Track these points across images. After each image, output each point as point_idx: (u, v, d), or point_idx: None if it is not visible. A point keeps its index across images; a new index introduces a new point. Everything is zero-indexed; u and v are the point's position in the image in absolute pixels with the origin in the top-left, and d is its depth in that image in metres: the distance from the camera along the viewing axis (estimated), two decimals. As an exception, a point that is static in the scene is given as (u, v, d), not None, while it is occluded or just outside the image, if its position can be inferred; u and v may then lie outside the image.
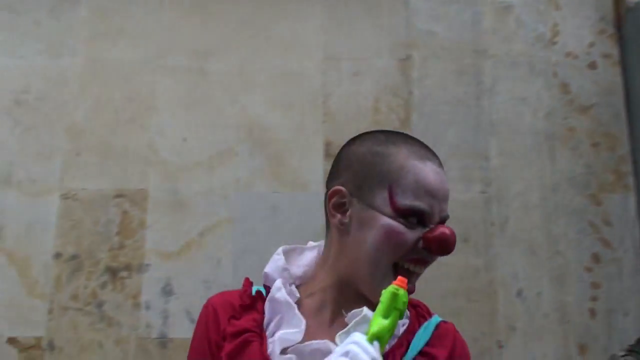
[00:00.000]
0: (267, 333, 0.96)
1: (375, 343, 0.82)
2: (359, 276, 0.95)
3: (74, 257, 2.36)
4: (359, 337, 0.82)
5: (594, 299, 2.27)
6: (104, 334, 2.28)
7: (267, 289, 1.02)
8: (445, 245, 0.92)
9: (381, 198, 0.93)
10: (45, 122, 2.54)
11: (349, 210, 0.96)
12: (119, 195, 2.43)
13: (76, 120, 2.55)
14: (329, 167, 2.38)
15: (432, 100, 2.51)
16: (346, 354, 0.80)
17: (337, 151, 2.42)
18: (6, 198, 2.42)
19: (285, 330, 0.94)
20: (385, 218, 0.92)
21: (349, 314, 0.94)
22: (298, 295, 1.00)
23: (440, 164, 1.00)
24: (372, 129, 2.42)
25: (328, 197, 1.00)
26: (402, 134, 1.05)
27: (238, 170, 2.47)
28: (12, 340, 2.28)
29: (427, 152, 1.00)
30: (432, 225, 0.94)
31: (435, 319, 1.03)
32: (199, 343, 1.00)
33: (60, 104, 2.57)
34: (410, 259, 0.94)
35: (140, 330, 2.29)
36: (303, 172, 2.46)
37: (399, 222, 0.92)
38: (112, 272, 2.34)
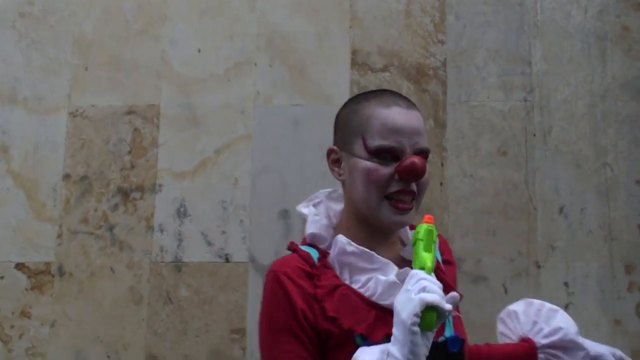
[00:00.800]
0: (347, 282, 1.08)
1: (432, 274, 0.98)
2: (363, 213, 1.11)
3: (83, 178, 2.27)
4: (422, 274, 0.96)
5: (645, 214, 2.13)
6: (115, 258, 2.23)
7: (316, 247, 1.13)
8: (411, 171, 1.06)
9: (358, 146, 1.10)
10: (51, 35, 2.41)
11: (342, 163, 1.14)
12: (130, 112, 2.32)
13: (84, 32, 2.41)
14: (356, 78, 2.32)
15: (470, 0, 2.30)
16: (424, 289, 0.93)
17: (364, 60, 2.28)
18: (11, 116, 2.33)
19: (381, 276, 1.06)
20: (362, 161, 1.08)
21: (402, 251, 1.16)
22: (356, 245, 1.10)
23: (409, 106, 1.12)
24: (403, 34, 2.28)
25: (327, 157, 1.19)
26: (380, 90, 1.22)
27: (257, 82, 2.33)
28: (20, 266, 2.24)
29: (395, 98, 1.13)
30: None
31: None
32: (284, 315, 1.05)
33: (67, 15, 2.42)
34: (395, 191, 1.08)
35: (153, 255, 2.23)
36: (327, 84, 2.31)
37: (373, 162, 1.07)
38: (124, 193, 2.26)
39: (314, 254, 1.11)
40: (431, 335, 0.94)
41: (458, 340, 1.08)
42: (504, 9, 2.27)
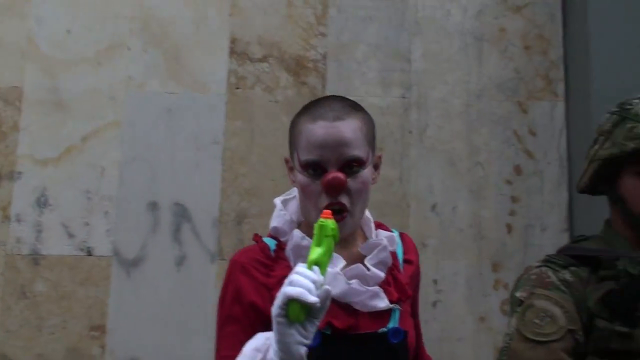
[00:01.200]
0: None
1: (315, 268, 0.99)
2: (308, 220, 1.17)
3: None
4: (299, 268, 1.00)
5: (512, 213, 2.17)
6: (-42, 248, 2.09)
7: (277, 239, 1.19)
8: (330, 185, 1.10)
9: (295, 160, 1.15)
10: None
11: (293, 171, 1.18)
12: (-13, 93, 2.18)
13: (-57, 6, 2.24)
14: (233, 67, 2.27)
15: (352, -7, 2.29)
16: (290, 282, 0.97)
17: (243, 49, 2.23)
18: None
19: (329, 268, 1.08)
20: (299, 174, 1.15)
21: (360, 247, 1.20)
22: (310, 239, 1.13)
23: (336, 118, 1.13)
24: (284, 24, 2.25)
25: (285, 164, 1.22)
26: (321, 100, 1.21)
27: (129, 67, 2.23)
28: None
29: (324, 111, 1.15)
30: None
31: (396, 232, 1.29)
32: (231, 302, 1.14)
33: None
34: (327, 204, 1.12)
35: (9, 246, 2.10)
36: (204, 72, 2.24)
37: (305, 175, 1.13)
38: (-25, 178, 2.12)
39: (273, 245, 1.18)
40: (310, 325, 0.98)
41: (400, 332, 1.14)
42: (385, 4, 2.27)
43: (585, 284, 1.32)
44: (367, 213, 1.24)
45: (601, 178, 1.42)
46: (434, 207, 2.17)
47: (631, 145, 1.33)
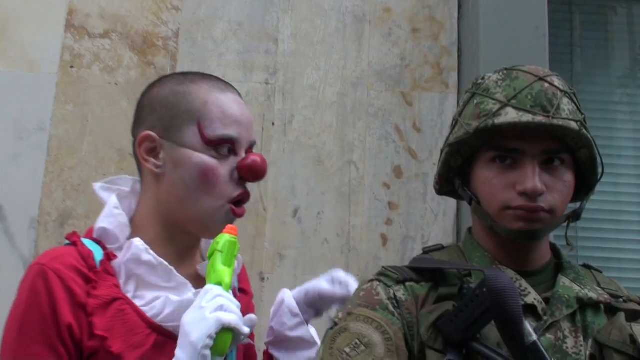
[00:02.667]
0: (130, 296, 0.94)
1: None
2: (180, 217, 0.97)
3: None
4: (220, 290, 0.87)
5: (389, 222, 1.87)
6: None
7: (102, 245, 0.96)
8: (254, 170, 0.97)
9: (191, 135, 0.96)
10: None
11: (161, 153, 0.97)
12: None
13: None
14: (69, 43, 1.99)
15: (215, -36, 2.02)
16: (221, 307, 0.84)
17: (82, 23, 1.96)
18: None
19: (173, 296, 0.94)
20: (197, 154, 0.95)
21: (200, 266, 1.02)
22: (155, 254, 0.95)
23: (240, 95, 1.04)
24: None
25: (137, 144, 1.00)
26: (200, 73, 1.07)
27: (-54, 40, 1.95)
28: None
29: (225, 85, 1.04)
30: (242, 154, 0.99)
31: None
32: (41, 321, 0.88)
33: None
34: (238, 194, 0.97)
35: None
36: (33, 48, 1.95)
37: (211, 155, 0.95)
38: None
39: (98, 253, 0.95)
40: None
41: None
42: (253, -24, 2.01)
43: (422, 305, 1.05)
44: None
45: (455, 173, 1.16)
46: (295, 212, 1.87)
47: (475, 124, 1.07)
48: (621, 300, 1.10)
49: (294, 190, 1.88)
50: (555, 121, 1.01)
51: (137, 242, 0.94)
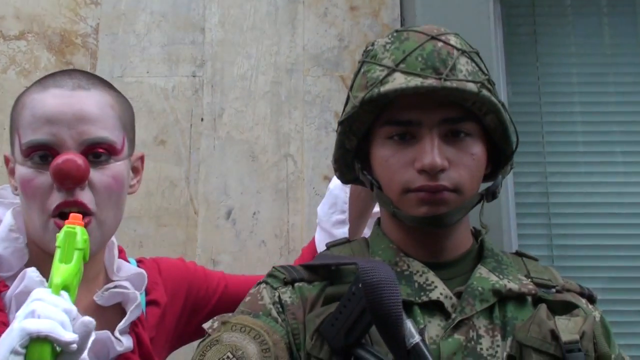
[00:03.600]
0: None
1: (63, 293, 0.75)
2: (35, 237, 0.88)
3: None
4: (41, 292, 0.73)
5: (331, 218, 1.73)
6: None
7: None
8: (61, 173, 0.84)
9: (17, 147, 0.88)
10: None
11: (16, 173, 0.89)
12: None
13: None
14: None
15: (135, -47, 1.91)
16: (32, 313, 0.70)
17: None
18: None
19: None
20: (19, 168, 0.86)
21: (97, 296, 0.92)
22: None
23: (77, 86, 0.89)
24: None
25: (5, 164, 0.94)
26: (56, 72, 0.95)
27: None
28: None
29: (60, 79, 0.91)
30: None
31: (133, 262, 1.02)
32: None
33: None
34: (63, 203, 0.85)
35: None
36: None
37: (27, 166, 0.86)
38: None
39: None
40: None
41: None
42: (176, -37, 1.90)
43: (311, 307, 0.93)
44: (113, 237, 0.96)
45: (352, 156, 1.04)
46: (229, 213, 1.74)
47: (361, 95, 0.94)
48: (553, 290, 0.96)
49: (226, 189, 1.75)
50: (448, 83, 0.88)
51: (31, 272, 0.84)
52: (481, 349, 0.88)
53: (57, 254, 0.79)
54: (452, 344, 0.87)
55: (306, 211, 1.73)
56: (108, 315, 0.90)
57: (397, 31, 0.98)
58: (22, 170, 0.86)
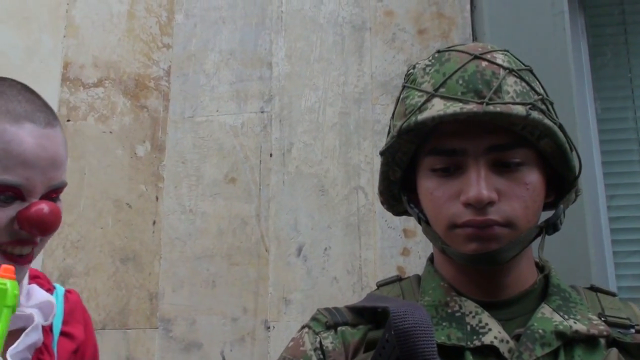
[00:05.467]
0: None
1: None
2: None
3: None
4: None
5: (406, 252, 1.68)
6: None
7: None
8: (42, 226, 0.85)
9: None
10: None
11: None
12: None
13: None
14: (65, 96, 2.02)
15: (204, -6, 1.99)
16: None
17: (77, 74, 1.99)
18: None
19: None
20: None
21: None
22: None
23: (48, 123, 0.88)
24: (123, 40, 1.98)
25: None
26: (7, 81, 0.91)
27: (-44, 109, 2.07)
28: None
29: (31, 108, 0.87)
30: (31, 200, 0.86)
31: (60, 290, 1.01)
32: None
33: None
34: (6, 242, 0.85)
35: None
36: (34, 105, 2.02)
37: None
38: None
39: None
40: None
41: None
42: (243, 1, 1.95)
43: (353, 353, 0.91)
44: None
45: (399, 188, 1.01)
46: (299, 250, 1.74)
47: (399, 123, 0.91)
48: (632, 330, 0.87)
49: (297, 225, 1.75)
50: (491, 108, 0.82)
51: None
52: None
53: None
54: None
55: (379, 245, 1.69)
56: (8, 342, 0.86)
57: (439, 51, 0.93)
58: None
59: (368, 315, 0.93)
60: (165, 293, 1.77)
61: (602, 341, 0.85)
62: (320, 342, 0.91)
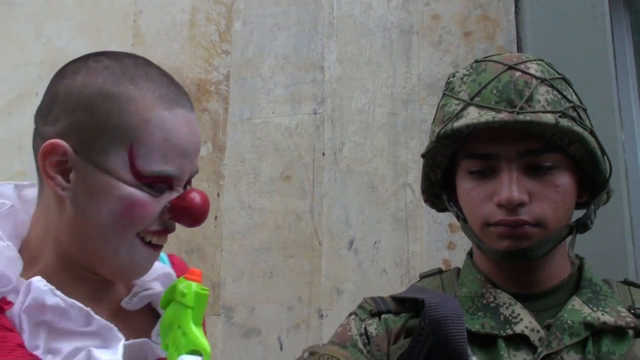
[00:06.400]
0: (40, 353, 0.76)
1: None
2: (96, 256, 0.81)
3: None
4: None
5: (451, 246, 1.79)
6: None
7: None
8: (196, 216, 0.82)
9: (118, 160, 0.78)
10: None
11: (72, 172, 0.78)
12: None
13: None
14: None
15: (260, 3, 2.13)
16: None
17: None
18: None
19: (99, 351, 0.78)
20: (124, 187, 0.78)
21: (124, 303, 0.88)
22: (62, 295, 0.78)
23: (191, 105, 0.84)
24: (186, 47, 2.15)
25: (42, 153, 0.78)
26: (142, 60, 0.85)
27: (37, 113, 2.28)
28: None
29: (176, 92, 0.83)
30: (179, 189, 0.83)
31: (163, 256, 0.98)
32: None
33: None
34: (154, 230, 0.82)
35: None
36: (106, 109, 2.21)
37: (142, 190, 0.78)
38: None
39: None
40: None
41: None
42: (296, 9, 2.08)
43: (395, 339, 1.01)
44: None
45: (440, 187, 1.13)
46: (351, 243, 1.87)
47: (437, 129, 1.02)
48: None
49: (348, 220, 1.88)
50: (521, 117, 0.90)
51: (38, 282, 0.76)
52: None
53: (190, 315, 0.79)
54: None
55: (425, 239, 1.80)
56: (137, 318, 0.87)
57: (477, 61, 1.01)
58: (133, 192, 0.78)
59: (409, 304, 1.03)
60: (227, 283, 1.93)
61: (631, 332, 0.92)
62: (365, 328, 1.02)
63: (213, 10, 2.16)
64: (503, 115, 0.92)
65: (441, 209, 1.17)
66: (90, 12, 2.30)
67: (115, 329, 0.79)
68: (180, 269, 0.99)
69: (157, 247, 0.85)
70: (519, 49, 1.84)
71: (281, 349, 1.84)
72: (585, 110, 0.98)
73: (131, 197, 0.77)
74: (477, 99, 0.96)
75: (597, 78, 1.59)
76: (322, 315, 1.84)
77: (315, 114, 1.98)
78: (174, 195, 0.82)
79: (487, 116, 0.93)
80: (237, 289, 1.91)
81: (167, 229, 0.84)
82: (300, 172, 1.95)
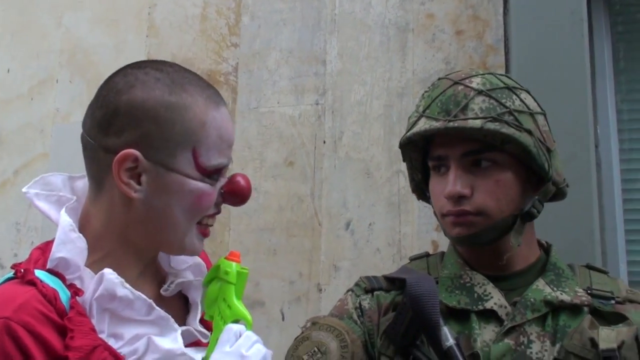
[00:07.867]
0: (104, 337, 0.86)
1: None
2: (167, 243, 0.93)
3: None
4: (252, 334, 0.91)
5: (439, 228, 1.99)
6: None
7: (60, 276, 0.86)
8: (244, 197, 0.97)
9: (184, 160, 0.89)
10: None
11: (143, 176, 0.89)
12: None
13: None
14: None
15: (267, -2, 2.31)
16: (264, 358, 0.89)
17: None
18: None
19: (158, 338, 0.89)
20: (192, 182, 0.90)
21: (163, 290, 0.99)
22: (132, 288, 0.89)
23: (223, 100, 0.98)
24: (198, 39, 2.32)
25: (116, 162, 0.87)
26: (177, 66, 0.96)
27: (57, 99, 2.47)
28: None
29: (214, 90, 0.96)
30: (225, 175, 0.96)
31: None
32: None
33: None
34: (210, 214, 0.96)
35: None
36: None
37: (205, 182, 0.91)
38: None
39: (61, 290, 0.83)
40: None
41: None
42: (301, 5, 2.26)
43: (384, 312, 1.18)
44: None
45: (424, 185, 1.29)
46: (348, 224, 2.07)
47: (405, 134, 1.20)
48: (612, 302, 1.10)
49: (345, 204, 2.08)
50: (451, 124, 1.06)
51: (110, 274, 0.86)
52: (530, 352, 1.05)
53: (232, 290, 0.93)
54: (502, 348, 1.06)
55: (416, 222, 2.00)
56: (171, 304, 0.97)
57: (439, 78, 1.18)
58: (199, 185, 0.90)
59: (399, 283, 1.19)
60: (234, 259, 2.13)
61: (586, 309, 1.08)
62: (360, 303, 1.19)
63: (223, 5, 2.34)
64: (438, 124, 1.08)
65: (429, 202, 1.35)
66: (107, 4, 2.48)
67: (172, 319, 0.91)
68: (204, 259, 1.11)
69: (207, 228, 0.97)
70: (506, 47, 2.02)
71: (283, 319, 2.05)
72: (532, 114, 1.10)
73: (199, 189, 0.90)
74: (427, 111, 1.12)
75: (573, 77, 1.77)
76: (320, 290, 2.04)
77: (317, 104, 2.17)
78: (222, 181, 0.96)
79: (426, 125, 1.09)
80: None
81: (219, 211, 0.97)
82: (302, 159, 2.14)
